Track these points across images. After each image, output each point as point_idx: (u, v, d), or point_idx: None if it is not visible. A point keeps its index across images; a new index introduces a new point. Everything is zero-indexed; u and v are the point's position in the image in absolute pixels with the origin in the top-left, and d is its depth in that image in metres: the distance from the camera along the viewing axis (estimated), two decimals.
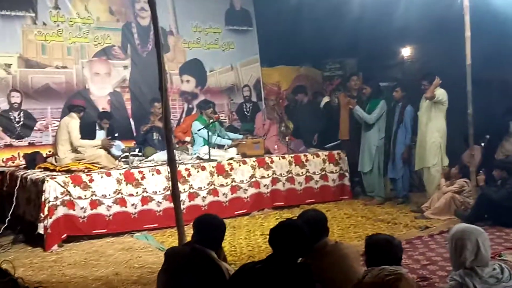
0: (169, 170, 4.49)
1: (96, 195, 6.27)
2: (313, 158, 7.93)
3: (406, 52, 10.08)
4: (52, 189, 5.98)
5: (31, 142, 7.64)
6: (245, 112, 9.48)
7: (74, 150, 6.69)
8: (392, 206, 7.50)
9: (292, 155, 7.79)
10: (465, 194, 6.71)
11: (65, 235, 6.06)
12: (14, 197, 6.42)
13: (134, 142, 7.98)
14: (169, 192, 6.27)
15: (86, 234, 6.21)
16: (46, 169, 6.64)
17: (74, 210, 6.12)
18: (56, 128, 7.20)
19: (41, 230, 5.85)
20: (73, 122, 6.72)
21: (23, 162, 7.22)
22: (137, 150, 7.56)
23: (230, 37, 9.57)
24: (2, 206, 7.04)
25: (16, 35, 7.63)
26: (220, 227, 3.37)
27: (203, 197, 6.99)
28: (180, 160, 6.97)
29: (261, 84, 9.81)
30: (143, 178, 6.60)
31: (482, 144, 7.53)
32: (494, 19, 6.76)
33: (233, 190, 7.24)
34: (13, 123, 7.53)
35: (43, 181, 6.01)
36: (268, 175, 7.52)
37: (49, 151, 7.35)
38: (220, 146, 7.70)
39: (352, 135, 8.13)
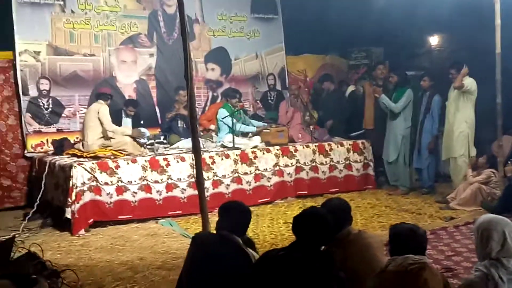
0: (193, 157, 4.53)
1: (122, 181, 6.37)
2: (337, 147, 7.89)
3: (434, 40, 9.91)
4: (80, 175, 6.09)
5: (59, 128, 7.76)
6: (270, 101, 9.47)
7: (104, 136, 6.78)
8: (416, 196, 7.43)
9: (316, 144, 7.76)
10: (492, 184, 6.62)
11: (91, 220, 6.17)
12: (43, 183, 6.54)
13: (159, 130, 8.06)
14: (193, 180, 6.31)
15: (112, 219, 6.32)
16: (73, 155, 6.75)
17: (100, 195, 6.23)
18: (84, 115, 7.32)
19: (68, 215, 5.97)
20: (103, 107, 6.80)
21: (52, 148, 7.33)
22: (162, 137, 7.63)
23: (256, 25, 9.55)
24: (31, 191, 7.24)
25: (45, 23, 7.73)
26: (246, 214, 3.39)
27: (227, 185, 7.04)
28: (204, 147, 7.02)
29: (286, 73, 9.78)
30: (168, 165, 6.67)
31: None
32: None
33: (257, 178, 7.26)
34: (42, 109, 7.66)
35: (70, 167, 6.12)
36: (291, 163, 7.52)
37: (77, 138, 7.47)
38: (244, 134, 7.72)
39: (377, 124, 8.07)
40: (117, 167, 6.37)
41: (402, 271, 2.68)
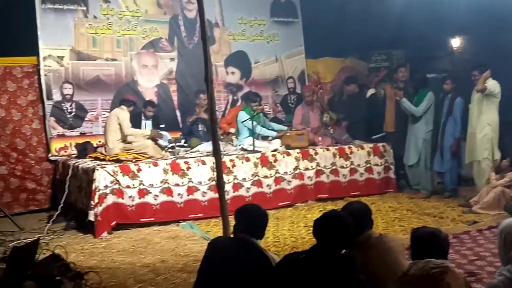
0: (214, 160, 4.56)
1: (143, 184, 6.43)
2: (358, 150, 7.86)
3: (455, 42, 9.80)
4: (102, 178, 6.17)
5: (82, 132, 7.88)
6: (290, 104, 9.47)
7: (124, 140, 6.88)
8: (438, 200, 7.35)
9: (337, 147, 7.74)
10: None
11: (114, 222, 6.25)
12: (66, 185, 6.65)
13: (180, 133, 8.12)
14: (214, 183, 6.37)
15: (134, 222, 6.38)
16: (96, 158, 6.84)
17: (122, 198, 6.30)
18: (106, 118, 7.43)
19: (91, 218, 6.06)
20: (123, 113, 6.92)
21: (75, 151, 7.46)
22: (183, 141, 7.70)
23: (275, 29, 9.58)
24: (55, 194, 7.36)
25: (68, 28, 7.87)
26: (263, 216, 3.39)
27: (247, 188, 7.06)
28: (224, 151, 7.05)
29: (305, 76, 9.77)
30: (188, 168, 6.72)
31: None
32: None
33: (277, 181, 7.27)
34: (66, 113, 7.78)
35: (93, 170, 6.20)
36: (312, 167, 7.51)
37: (99, 141, 7.57)
38: (265, 138, 7.74)
39: (398, 127, 8.01)
40: (139, 170, 6.44)
41: (424, 274, 2.66)
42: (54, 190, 7.45)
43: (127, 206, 6.33)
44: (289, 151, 7.44)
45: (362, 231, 3.23)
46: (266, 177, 7.20)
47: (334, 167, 7.66)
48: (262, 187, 7.16)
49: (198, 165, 6.79)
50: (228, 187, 6.67)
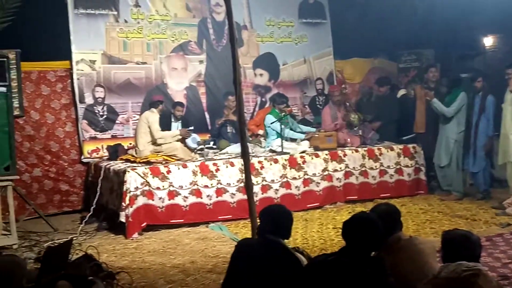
0: (242, 162, 4.58)
1: (173, 186, 6.50)
2: (387, 151, 7.78)
3: (487, 41, 9.61)
4: (133, 180, 6.26)
5: (114, 134, 8.00)
6: (318, 105, 9.43)
7: (154, 142, 6.97)
8: (471, 202, 7.21)
9: (366, 149, 7.69)
10: None
11: (144, 223, 6.33)
12: (98, 187, 6.76)
13: (209, 135, 8.18)
14: (242, 184, 6.40)
15: (164, 223, 6.45)
16: (127, 160, 6.94)
17: (153, 200, 6.38)
18: (136, 121, 7.54)
19: (122, 219, 6.15)
20: (152, 115, 7.01)
21: (106, 153, 7.59)
22: (211, 143, 7.75)
23: (303, 30, 9.55)
24: (87, 195, 7.49)
25: (100, 33, 8.00)
26: (288, 216, 3.39)
27: (276, 189, 7.06)
28: (253, 152, 7.06)
29: (334, 77, 9.73)
30: (217, 170, 6.77)
31: None
32: None
33: (306, 183, 7.25)
34: (98, 116, 7.92)
35: (124, 172, 6.30)
36: (340, 168, 7.46)
37: (130, 143, 7.68)
38: (293, 139, 7.73)
39: (428, 128, 7.90)
40: (169, 172, 6.52)
41: (455, 277, 2.63)
42: (87, 191, 7.58)
43: (157, 207, 6.41)
44: (318, 152, 7.42)
45: (391, 233, 3.21)
46: (294, 178, 7.19)
47: (363, 169, 7.60)
48: (290, 189, 7.15)
49: (227, 167, 6.83)
50: (256, 189, 6.70)
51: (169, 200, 6.47)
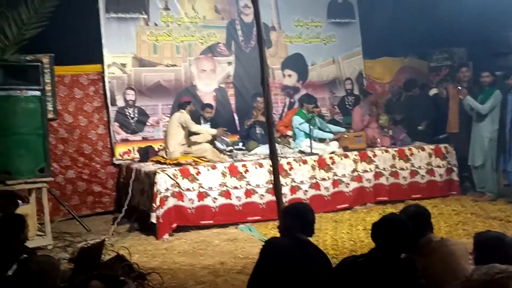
0: (271, 163, 4.58)
1: (203, 187, 6.55)
2: (418, 152, 7.67)
3: None
4: (163, 181, 6.33)
5: (144, 136, 8.11)
6: (347, 106, 9.36)
7: (184, 143, 6.99)
8: (506, 203, 7.05)
9: (396, 149, 7.59)
10: None
11: (175, 224, 6.39)
12: (130, 188, 6.86)
13: (238, 137, 8.21)
14: (271, 186, 6.39)
15: (194, 224, 6.50)
16: (157, 162, 7.01)
17: (183, 201, 6.44)
18: (167, 123, 7.62)
19: (153, 220, 6.21)
20: (183, 116, 6.98)
21: (138, 155, 7.68)
22: (240, 144, 7.78)
23: (332, 30, 9.50)
24: (119, 196, 7.61)
25: (130, 36, 8.12)
26: (313, 213, 3.36)
27: (305, 190, 7.04)
28: (282, 153, 7.06)
29: (363, 77, 9.64)
30: (246, 171, 6.79)
31: None
32: None
33: (335, 184, 7.21)
34: (129, 119, 8.04)
35: (155, 173, 6.38)
36: (370, 169, 7.40)
37: (160, 145, 7.76)
38: (322, 140, 7.69)
39: (461, 127, 7.75)
40: (198, 173, 6.57)
41: (488, 280, 2.57)
42: (119, 193, 7.69)
43: (187, 208, 6.47)
44: (347, 153, 7.37)
45: (422, 235, 3.16)
46: (323, 179, 7.16)
47: (393, 169, 7.52)
48: (320, 190, 7.12)
49: (256, 168, 6.84)
50: (285, 190, 6.69)
51: (198, 201, 6.51)
